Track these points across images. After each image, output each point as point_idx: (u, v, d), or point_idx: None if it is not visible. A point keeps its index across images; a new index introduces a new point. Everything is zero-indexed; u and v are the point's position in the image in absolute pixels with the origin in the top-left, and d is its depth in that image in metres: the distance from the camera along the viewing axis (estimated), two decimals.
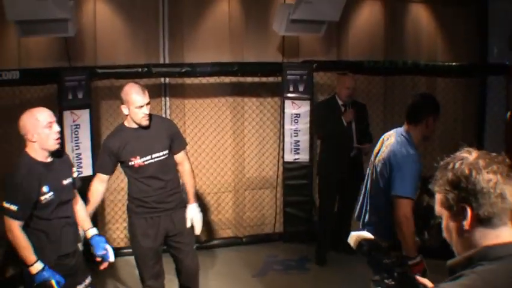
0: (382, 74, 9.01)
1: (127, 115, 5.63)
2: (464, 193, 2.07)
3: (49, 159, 4.76)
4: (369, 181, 5.25)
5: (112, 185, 8.25)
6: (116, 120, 8.21)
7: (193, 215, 5.88)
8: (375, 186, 5.14)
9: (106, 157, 5.70)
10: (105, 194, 8.23)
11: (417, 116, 5.01)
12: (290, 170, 8.77)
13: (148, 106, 5.58)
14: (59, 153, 4.86)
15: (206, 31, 8.82)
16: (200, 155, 8.89)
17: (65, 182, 4.87)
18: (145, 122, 5.60)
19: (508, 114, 2.61)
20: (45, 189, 4.64)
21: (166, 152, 5.72)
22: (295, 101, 8.63)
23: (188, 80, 8.67)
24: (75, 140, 7.67)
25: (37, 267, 4.55)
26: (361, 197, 5.37)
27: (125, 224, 8.18)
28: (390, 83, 9.54)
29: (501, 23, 9.54)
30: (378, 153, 5.20)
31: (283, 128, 8.74)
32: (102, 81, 8.15)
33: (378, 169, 5.07)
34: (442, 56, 9.91)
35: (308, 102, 8.66)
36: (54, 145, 4.71)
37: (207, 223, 8.96)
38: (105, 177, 5.78)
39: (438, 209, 2.20)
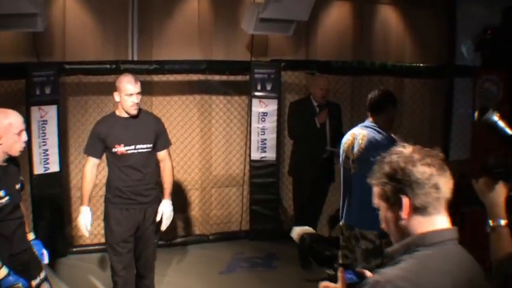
0: (350, 74, 9.13)
1: (118, 103, 5.85)
2: (401, 184, 2.20)
3: (5, 163, 4.72)
4: (350, 178, 5.56)
5: (79, 181, 8.25)
6: (84, 117, 8.30)
7: (164, 210, 6.10)
8: (358, 179, 5.41)
9: (96, 141, 5.91)
10: (72, 191, 8.32)
11: (379, 107, 5.57)
12: (257, 168, 8.89)
13: (139, 96, 5.80)
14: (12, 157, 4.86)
15: (175, 28, 8.89)
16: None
17: (17, 186, 4.86)
18: (133, 111, 5.82)
19: (476, 113, 2.74)
20: (1, 193, 4.62)
21: (150, 146, 5.95)
22: (263, 100, 8.76)
23: (156, 77, 8.72)
24: (42, 136, 7.70)
25: (3, 272, 4.53)
26: (343, 196, 5.67)
27: (98, 221, 8.25)
28: (358, 83, 9.65)
29: (469, 25, 9.69)
30: (352, 149, 5.54)
31: (251, 126, 8.87)
32: (70, 77, 8.19)
33: (359, 162, 5.43)
34: (410, 57, 10.07)
35: (275, 101, 8.80)
36: (17, 152, 4.72)
37: (173, 221, 8.98)
38: (96, 161, 5.97)
39: (376, 201, 2.32)
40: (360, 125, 5.71)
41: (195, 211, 9.27)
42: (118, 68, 8.03)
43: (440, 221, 2.23)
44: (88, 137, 6.09)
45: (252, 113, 8.80)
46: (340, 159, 5.74)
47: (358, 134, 5.57)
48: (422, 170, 2.19)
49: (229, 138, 9.24)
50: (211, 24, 9.08)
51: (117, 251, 5.96)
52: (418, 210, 2.20)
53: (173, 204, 8.64)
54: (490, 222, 2.96)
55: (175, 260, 8.21)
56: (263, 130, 8.75)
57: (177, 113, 8.90)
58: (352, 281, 2.39)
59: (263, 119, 8.74)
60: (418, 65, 8.97)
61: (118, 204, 5.92)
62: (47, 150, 7.74)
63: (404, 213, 2.22)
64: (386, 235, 5.05)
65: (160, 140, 6.08)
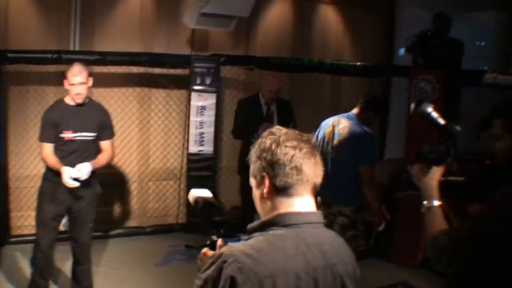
0: (288, 71, 9.28)
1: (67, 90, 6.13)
2: (264, 163, 2.30)
3: None
4: (328, 161, 6.18)
5: (18, 170, 8.35)
6: (25, 105, 8.31)
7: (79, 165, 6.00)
8: (336, 163, 6.22)
9: (49, 128, 6.12)
10: (10, 181, 8.28)
11: (375, 106, 6.48)
12: (194, 161, 9.01)
13: (83, 86, 6.07)
14: None
15: (118, 20, 8.97)
16: None
17: None
18: (77, 100, 6.10)
19: (413, 105, 2.93)
20: None
21: (93, 135, 6.23)
22: (202, 94, 8.90)
23: (97, 69, 8.74)
24: None
25: None
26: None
27: (30, 212, 8.25)
28: (296, 80, 9.83)
29: (407, 26, 9.96)
30: (333, 136, 6.36)
31: (189, 119, 8.97)
32: (11, 66, 8.17)
33: (338, 149, 6.29)
34: (348, 56, 10.37)
35: (214, 95, 8.97)
36: None
37: (110, 212, 9.08)
38: (52, 146, 6.14)
39: (250, 179, 2.42)
40: (341, 115, 6.50)
41: (132, 203, 9.35)
42: (60, 58, 8.06)
43: (301, 204, 2.32)
44: (40, 125, 6.27)
45: (191, 107, 8.94)
46: (319, 143, 6.33)
47: (340, 124, 6.34)
48: (285, 151, 2.27)
49: (167, 131, 9.35)
50: (154, 17, 9.18)
51: (45, 227, 6.19)
52: (279, 190, 2.30)
53: (110, 196, 8.78)
54: (425, 203, 3.15)
55: (111, 252, 8.28)
56: (201, 124, 8.88)
57: (117, 105, 8.94)
58: None
59: (202, 113, 8.87)
60: (354, 63, 9.15)
61: (53, 182, 6.08)
62: None
63: (265, 192, 2.32)
64: (360, 210, 6.15)
65: (105, 131, 6.35)
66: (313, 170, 2.32)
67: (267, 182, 2.30)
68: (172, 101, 9.32)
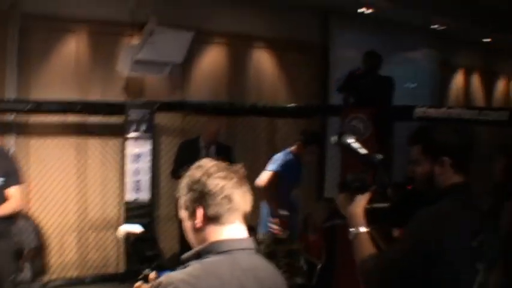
0: (223, 115, 9.36)
1: None
2: (196, 194, 2.36)
3: None
4: None
5: None
6: None
7: None
8: None
9: None
10: None
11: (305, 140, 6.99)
12: (131, 209, 8.94)
13: None
14: None
15: (54, 69, 9.00)
16: (42, 195, 8.93)
17: None
18: None
19: (335, 137, 3.08)
20: None
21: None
22: (137, 141, 8.88)
23: (33, 119, 8.73)
24: None
25: None
26: None
27: None
28: (232, 124, 9.90)
29: (341, 67, 10.16)
30: None
31: (125, 167, 8.94)
32: None
33: None
34: (284, 98, 10.47)
35: (149, 141, 8.96)
36: None
37: (49, 264, 8.97)
38: None
39: (181, 212, 2.48)
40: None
41: (71, 254, 9.25)
42: None
43: (232, 231, 2.39)
44: None
45: (127, 154, 8.91)
46: None
47: None
48: (215, 182, 2.34)
49: (104, 179, 9.34)
50: (89, 65, 9.23)
51: None
52: (211, 219, 2.36)
53: (50, 247, 8.67)
54: (352, 231, 3.22)
55: None
56: (137, 171, 8.86)
57: (54, 154, 8.93)
58: None
59: (137, 160, 8.87)
60: (287, 105, 9.27)
61: None
62: None
63: (198, 222, 2.37)
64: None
65: (10, 178, 5.93)
66: (243, 199, 2.39)
67: (199, 212, 2.36)
68: (109, 149, 9.32)
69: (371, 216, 3.26)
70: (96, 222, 9.38)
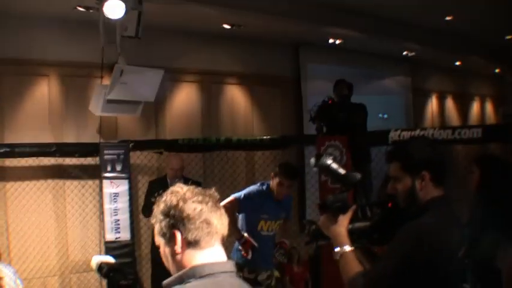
0: (197, 151, 9.42)
1: None
2: (174, 220, 2.37)
3: None
4: None
5: None
6: None
7: None
8: None
9: None
10: None
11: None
12: (112, 249, 8.85)
13: None
14: None
15: (26, 112, 9.08)
16: (22, 237, 8.93)
17: None
18: None
19: (313, 159, 3.19)
20: None
21: None
22: (114, 180, 8.87)
23: (8, 162, 8.75)
24: None
25: None
26: None
27: None
28: (209, 159, 9.98)
29: (314, 97, 10.27)
30: None
31: (103, 207, 8.94)
32: None
33: None
34: (258, 132, 10.58)
35: (126, 181, 8.94)
36: None
37: None
38: None
39: (156, 238, 2.48)
40: None
41: None
42: None
43: (212, 255, 2.39)
44: None
45: (104, 194, 8.88)
46: None
47: None
48: (193, 207, 2.36)
49: (83, 220, 9.37)
50: (62, 107, 9.35)
51: None
52: (190, 244, 2.36)
53: None
54: (337, 250, 3.30)
55: None
56: (115, 211, 8.84)
57: (31, 198, 8.96)
58: None
59: (115, 200, 8.85)
60: (261, 137, 9.33)
61: None
62: None
63: (177, 247, 2.37)
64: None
65: None
66: (220, 222, 2.41)
67: (178, 238, 2.36)
68: (86, 190, 9.37)
69: (353, 236, 3.34)
70: (77, 264, 9.37)
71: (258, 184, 6.96)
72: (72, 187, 9.33)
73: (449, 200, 3.27)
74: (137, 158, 9.51)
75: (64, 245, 9.31)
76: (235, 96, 10.87)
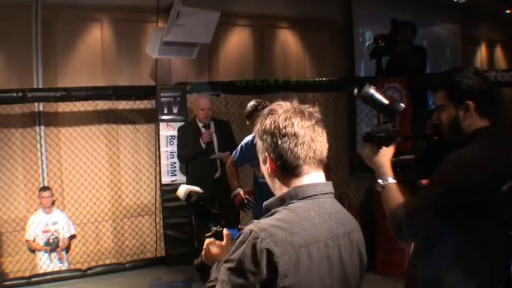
0: (254, 93, 9.25)
1: None
2: (277, 139, 2.24)
3: None
4: None
5: (10, 215, 8.33)
6: None
7: None
8: None
9: None
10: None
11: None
12: (168, 192, 8.84)
13: None
14: None
15: (79, 56, 9.01)
16: (75, 184, 8.93)
17: None
18: None
19: (355, 90, 3.21)
20: None
21: None
22: (170, 123, 8.81)
23: (62, 108, 8.72)
24: None
25: None
26: None
27: (2, 259, 8.16)
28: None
29: (364, 43, 10.11)
30: None
31: (159, 150, 8.89)
32: None
33: None
34: (310, 75, 10.39)
35: (183, 123, 8.84)
36: None
37: (87, 253, 8.95)
38: None
39: (259, 155, 2.37)
40: None
41: (107, 243, 9.25)
42: (25, 96, 8.05)
43: (314, 176, 2.30)
44: None
45: (160, 137, 8.84)
46: None
47: None
48: (296, 128, 2.23)
49: (137, 165, 9.32)
50: (115, 51, 9.25)
51: None
52: (292, 165, 2.26)
53: (85, 236, 8.66)
54: (380, 182, 3.21)
55: None
56: (172, 153, 8.78)
57: (85, 142, 8.93)
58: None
59: (171, 142, 8.78)
60: (321, 79, 9.18)
61: None
62: None
63: (271, 170, 2.30)
64: None
65: None
66: (320, 144, 2.29)
67: (279, 158, 2.26)
68: (140, 134, 9.31)
69: (397, 169, 3.26)
70: (131, 208, 9.35)
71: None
72: (125, 131, 9.29)
73: (495, 132, 3.16)
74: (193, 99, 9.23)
75: (117, 190, 9.28)
76: (288, 40, 10.69)
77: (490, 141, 3.07)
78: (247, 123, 6.66)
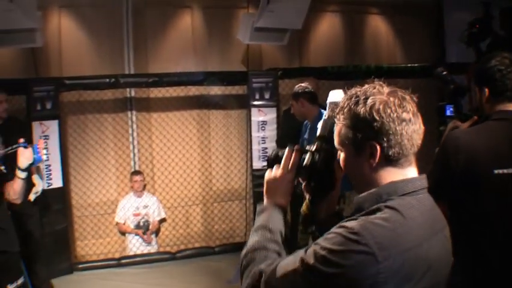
0: (345, 79, 9.10)
1: None
2: (374, 130, 1.99)
3: None
4: None
5: (78, 200, 8.34)
6: (84, 131, 8.31)
7: None
8: None
9: None
10: (78, 206, 8.28)
11: None
12: (259, 177, 8.75)
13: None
14: None
15: (170, 43, 9.02)
16: (166, 168, 8.99)
17: None
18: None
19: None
20: None
21: None
22: (262, 109, 8.73)
23: (153, 93, 8.77)
24: (45, 152, 7.61)
25: None
26: None
27: (94, 241, 8.25)
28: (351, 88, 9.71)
29: (456, 30, 9.86)
30: None
31: (251, 136, 8.82)
32: (69, 94, 8.22)
33: None
34: (401, 61, 10.22)
35: (274, 109, 8.79)
36: None
37: (176, 236, 9.01)
38: None
39: (339, 140, 2.13)
40: None
41: (197, 227, 9.28)
42: (117, 82, 8.09)
43: (411, 170, 2.07)
44: None
45: (252, 122, 8.76)
46: None
47: None
48: (399, 117, 1.98)
49: (228, 150, 9.31)
50: (205, 37, 9.21)
51: None
52: (389, 159, 2.02)
53: (175, 220, 8.73)
54: None
55: (180, 272, 8.10)
56: (263, 139, 8.72)
57: (177, 127, 8.99)
58: None
59: (263, 128, 8.72)
60: (412, 65, 9.02)
61: None
62: (49, 165, 7.68)
63: (374, 162, 2.03)
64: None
65: None
66: (419, 135, 2.04)
67: (378, 152, 1.99)
68: (231, 120, 9.28)
69: None
70: (222, 193, 9.34)
71: None
72: (216, 116, 9.27)
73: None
74: (285, 85, 9.15)
75: (208, 174, 9.28)
76: (377, 25, 10.49)
77: (499, 123, 3.20)
78: (292, 104, 6.86)
